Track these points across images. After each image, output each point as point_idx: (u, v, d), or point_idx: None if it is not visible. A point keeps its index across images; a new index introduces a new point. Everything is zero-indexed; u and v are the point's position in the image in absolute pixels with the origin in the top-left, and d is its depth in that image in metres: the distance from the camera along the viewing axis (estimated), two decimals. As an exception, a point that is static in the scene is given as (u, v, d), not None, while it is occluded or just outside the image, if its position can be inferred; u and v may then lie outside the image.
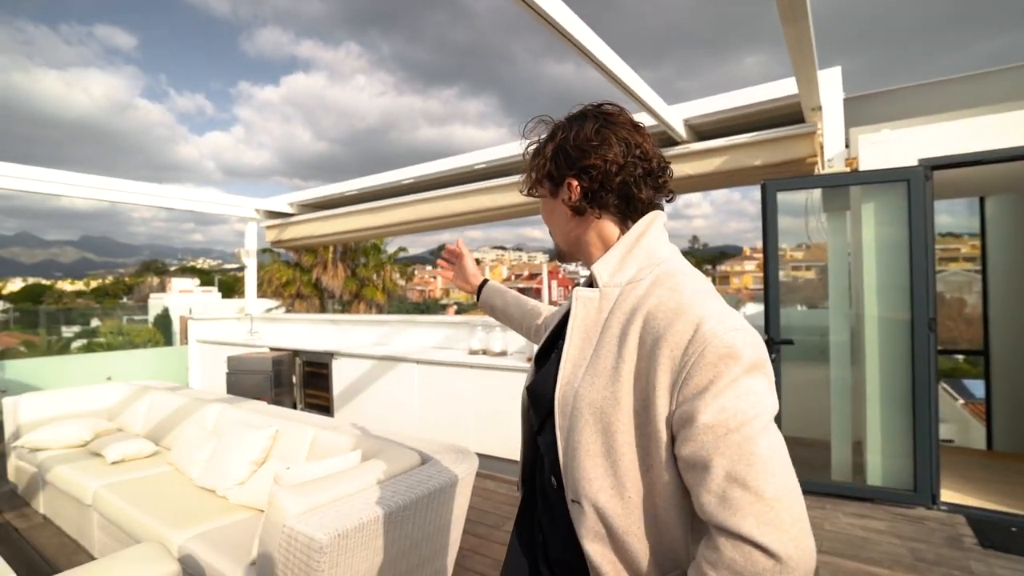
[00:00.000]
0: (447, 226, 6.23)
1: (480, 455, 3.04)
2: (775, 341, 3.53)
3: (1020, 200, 4.73)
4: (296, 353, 5.52)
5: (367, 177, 6.37)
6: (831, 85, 3.54)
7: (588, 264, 0.89)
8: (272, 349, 5.64)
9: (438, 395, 4.34)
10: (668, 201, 0.92)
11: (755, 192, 3.63)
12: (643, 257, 0.83)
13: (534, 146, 0.95)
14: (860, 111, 4.08)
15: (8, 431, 3.80)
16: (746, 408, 0.67)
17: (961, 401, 6.55)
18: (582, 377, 0.80)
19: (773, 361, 3.52)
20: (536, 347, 1.04)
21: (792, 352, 3.64)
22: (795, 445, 4.27)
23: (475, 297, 1.43)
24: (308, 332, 6.63)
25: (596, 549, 0.78)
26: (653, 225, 0.86)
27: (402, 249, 21.11)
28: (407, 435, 2.55)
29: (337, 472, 1.98)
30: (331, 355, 5.13)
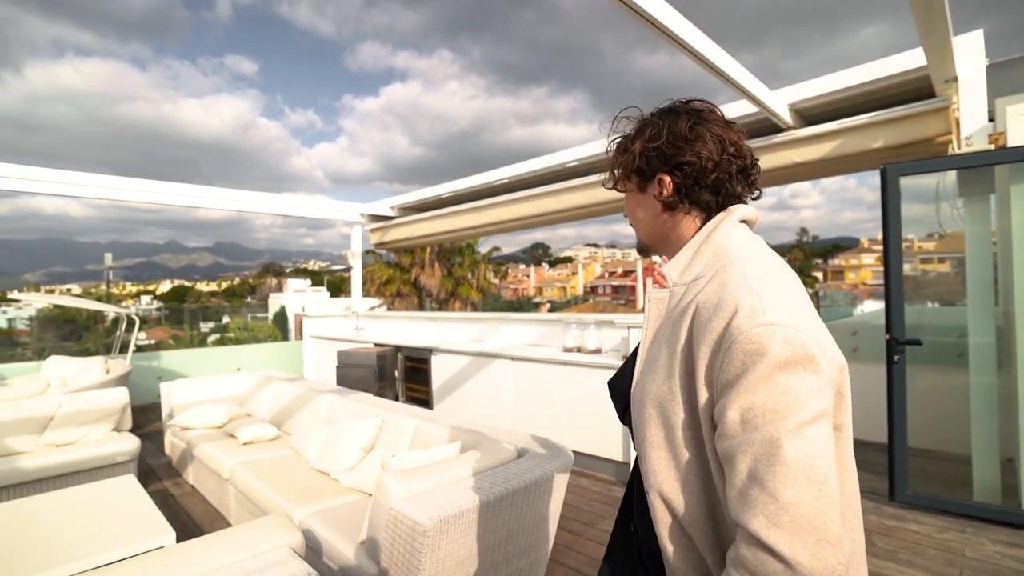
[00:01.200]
0: (540, 224, 6.30)
1: (574, 452, 3.06)
2: (898, 341, 3.19)
3: None
4: (398, 349, 5.86)
5: (462, 179, 6.61)
6: (971, 52, 3.11)
7: (670, 259, 0.91)
8: (376, 345, 6.03)
9: (533, 392, 4.40)
10: (755, 199, 0.93)
11: (874, 178, 3.30)
12: (710, 254, 0.83)
13: (618, 141, 0.95)
14: (1007, 79, 3.54)
15: (164, 412, 4.42)
16: (776, 408, 0.65)
17: None
18: (649, 374, 0.83)
19: (897, 363, 3.18)
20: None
21: (921, 354, 3.27)
22: (926, 458, 3.85)
23: None
24: (409, 329, 7.00)
25: (666, 538, 0.79)
26: (725, 221, 0.86)
27: (496, 248, 21.56)
28: (503, 430, 2.62)
29: (438, 461, 2.08)
30: (430, 351, 5.38)
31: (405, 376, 5.82)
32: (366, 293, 17.07)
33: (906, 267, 3.26)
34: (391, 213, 7.71)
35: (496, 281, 21.44)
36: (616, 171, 0.96)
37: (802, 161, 4.00)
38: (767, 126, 4.05)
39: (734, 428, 0.68)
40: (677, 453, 0.78)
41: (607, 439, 3.85)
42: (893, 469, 3.22)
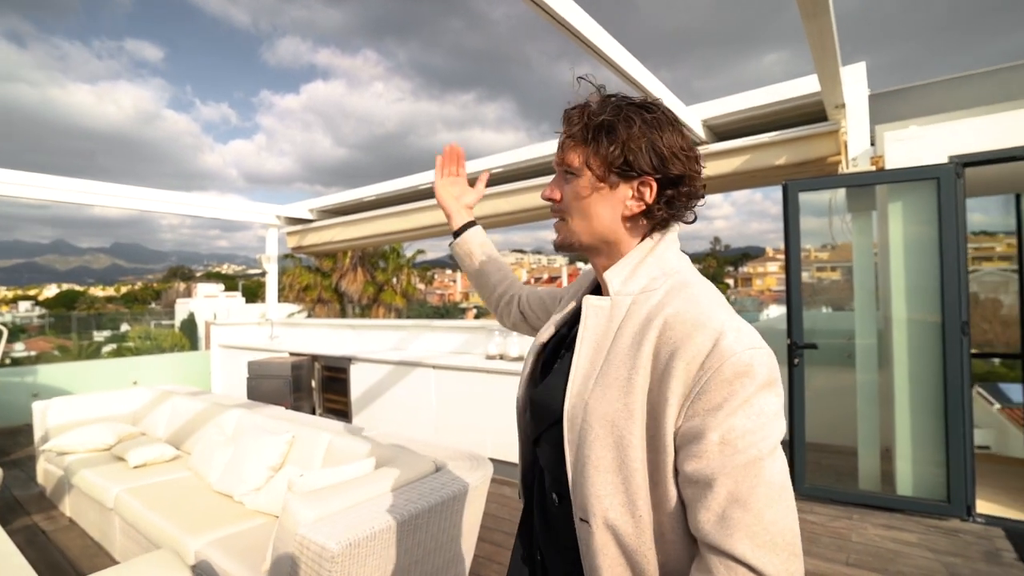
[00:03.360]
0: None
1: (497, 461, 3.01)
2: (798, 345, 3.44)
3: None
4: (315, 358, 5.57)
5: (387, 182, 6.42)
6: (855, 82, 3.44)
7: (600, 267, 0.86)
8: (292, 354, 5.70)
9: (455, 400, 4.33)
10: (689, 223, 0.89)
11: (777, 192, 3.54)
12: (655, 267, 0.81)
13: (604, 119, 0.80)
14: (886, 108, 3.96)
15: (37, 435, 3.90)
16: (756, 430, 0.66)
17: (998, 406, 6.30)
18: (592, 389, 0.77)
19: (796, 366, 3.43)
20: (534, 347, 0.98)
21: (816, 356, 3.54)
22: (820, 452, 4.17)
23: (453, 235, 1.28)
24: (327, 337, 6.69)
25: (604, 570, 0.74)
26: (668, 235, 0.84)
27: (420, 252, 21.24)
28: (422, 441, 2.54)
29: (351, 479, 1.97)
30: (349, 360, 5.16)
31: (323, 387, 5.55)
32: (285, 299, 16.22)
33: (804, 275, 3.52)
34: (310, 216, 7.36)
35: (422, 287, 21.13)
36: (589, 154, 0.81)
37: (715, 174, 4.23)
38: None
39: (713, 450, 0.66)
40: (628, 476, 0.72)
41: (531, 446, 3.85)
42: (793, 465, 3.45)
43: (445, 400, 4.39)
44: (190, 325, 21.83)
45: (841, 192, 3.73)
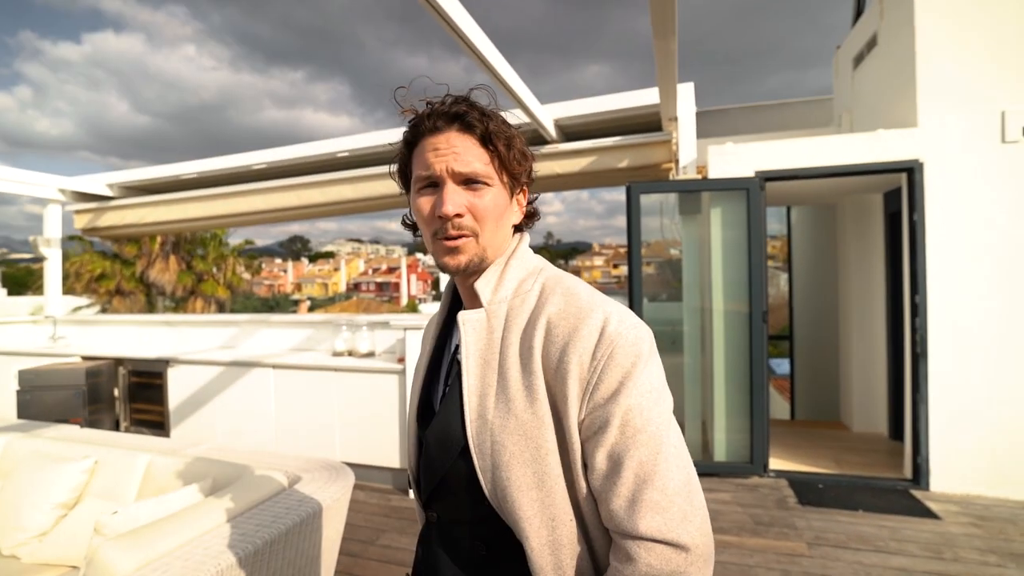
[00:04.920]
0: (303, 217, 5.75)
1: (348, 464, 2.82)
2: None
3: (815, 211, 5.68)
4: (119, 362, 4.66)
5: (209, 159, 5.61)
6: (685, 98, 3.87)
7: (468, 279, 0.82)
8: (85, 358, 4.69)
9: (298, 402, 3.95)
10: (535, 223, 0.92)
11: (603, 192, 3.87)
12: (519, 268, 0.81)
13: (498, 120, 0.78)
14: (709, 124, 4.54)
15: None
16: (652, 406, 0.68)
17: (767, 378, 7.78)
18: (494, 406, 0.73)
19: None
20: (416, 380, 0.92)
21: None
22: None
23: None
24: (134, 336, 5.64)
25: None
26: (524, 239, 0.86)
27: (248, 241, 19.17)
28: (269, 453, 2.25)
29: (182, 509, 1.65)
30: (166, 362, 4.41)
31: (129, 396, 4.67)
32: (70, 291, 13.34)
33: (625, 269, 3.88)
34: (108, 192, 6.12)
35: (248, 276, 19.12)
36: (493, 162, 0.77)
37: (563, 172, 4.44)
38: (535, 138, 4.40)
39: (616, 435, 0.67)
40: (550, 488, 0.70)
41: (383, 446, 3.68)
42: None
43: (286, 403, 3.99)
44: (-80, 325, 16.79)
45: (672, 195, 4.19)
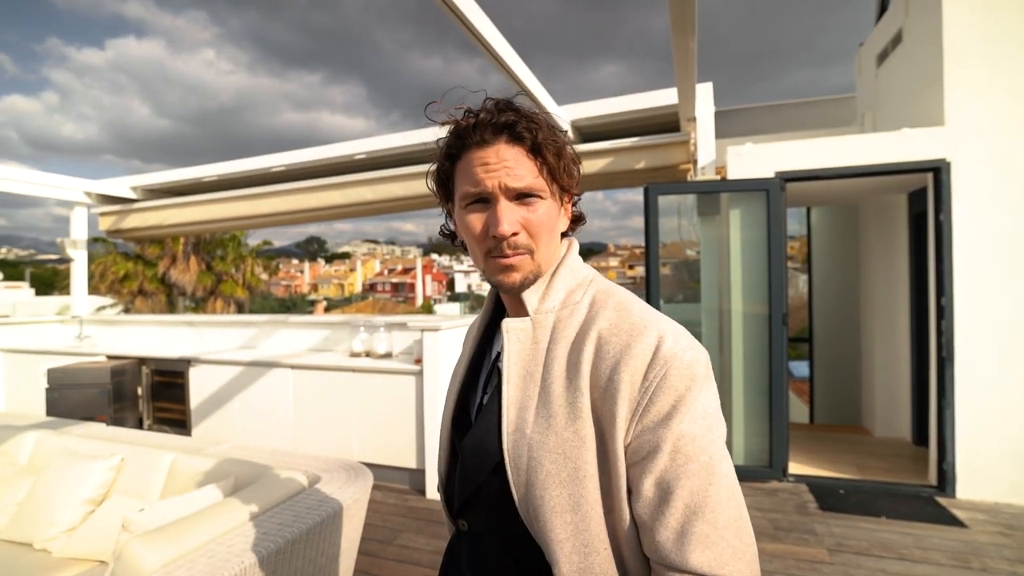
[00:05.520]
0: (321, 219, 5.82)
1: (366, 464, 2.84)
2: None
3: (836, 212, 5.58)
4: (142, 361, 4.75)
5: (229, 162, 5.71)
6: (704, 98, 3.83)
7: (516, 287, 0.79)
8: (110, 357, 4.79)
9: (316, 403, 3.99)
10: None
11: (617, 193, 3.84)
12: (568, 278, 0.78)
13: (555, 134, 0.75)
14: (729, 124, 4.49)
15: None
16: (705, 433, 0.65)
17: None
18: (533, 421, 0.70)
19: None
20: (453, 385, 0.88)
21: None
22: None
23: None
24: (157, 335, 5.76)
25: None
26: (573, 247, 0.83)
27: (266, 242, 19.47)
28: (288, 453, 2.27)
29: (205, 508, 1.67)
30: (188, 362, 4.49)
31: (152, 394, 4.76)
32: (95, 291, 13.67)
33: (640, 270, 3.85)
34: (132, 195, 6.25)
35: (266, 277, 19.40)
36: (543, 173, 0.74)
37: (582, 174, 4.43)
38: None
39: (667, 462, 0.63)
40: (586, 512, 0.66)
41: (400, 447, 3.70)
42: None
43: (305, 403, 4.03)
44: (-48, 323, 17.33)
45: (690, 196, 4.15)
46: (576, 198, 0.84)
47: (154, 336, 5.75)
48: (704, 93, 3.79)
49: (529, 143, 0.72)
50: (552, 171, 0.74)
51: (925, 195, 3.66)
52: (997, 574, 2.51)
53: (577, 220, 0.85)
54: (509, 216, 0.71)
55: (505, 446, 0.71)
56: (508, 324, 0.76)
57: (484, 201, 0.73)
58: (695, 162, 3.94)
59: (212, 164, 5.83)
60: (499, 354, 0.79)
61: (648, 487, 0.64)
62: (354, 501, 1.93)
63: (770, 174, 3.60)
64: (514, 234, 0.71)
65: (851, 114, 5.39)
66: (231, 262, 16.59)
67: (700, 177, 3.87)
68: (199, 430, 4.42)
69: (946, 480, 3.35)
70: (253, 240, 18.08)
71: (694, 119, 3.84)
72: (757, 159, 3.65)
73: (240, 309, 16.46)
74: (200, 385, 4.43)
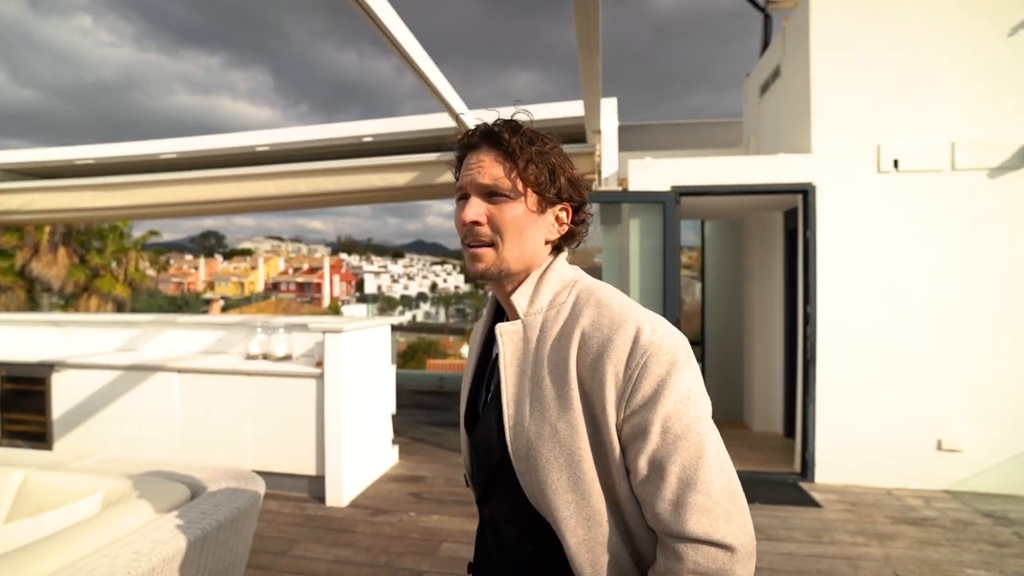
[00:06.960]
0: (217, 212, 5.43)
1: (261, 473, 2.70)
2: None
3: (725, 225, 6.10)
4: (-9, 366, 4.16)
5: (111, 144, 5.16)
6: (609, 112, 4.04)
7: (508, 292, 0.85)
8: (-53, 362, 4.15)
9: (207, 410, 3.71)
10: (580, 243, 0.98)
11: None
12: (554, 281, 0.84)
13: (538, 143, 0.81)
14: (630, 139, 4.76)
15: None
16: (689, 411, 0.71)
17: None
18: (530, 415, 0.78)
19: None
20: (465, 386, 0.97)
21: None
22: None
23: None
24: (11, 336, 5.06)
25: None
26: (561, 254, 0.89)
27: (153, 233, 17.71)
28: (170, 463, 2.10)
29: (68, 528, 1.51)
30: (51, 367, 3.99)
31: (2, 404, 4.18)
32: (-71, 284, 11.71)
33: None
34: (-16, 174, 5.46)
35: (153, 273, 17.71)
36: (520, 177, 0.80)
37: (492, 179, 4.50)
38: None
39: (657, 441, 0.70)
40: (585, 492, 0.74)
41: (299, 454, 3.54)
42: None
43: (193, 411, 3.74)
44: None
45: (594, 205, 4.35)
46: (584, 218, 0.88)
47: (7, 337, 5.05)
48: (609, 107, 3.99)
49: (505, 148, 0.79)
50: (522, 176, 0.80)
51: (797, 214, 4.11)
52: (842, 545, 2.88)
53: (570, 236, 0.88)
54: (475, 208, 0.80)
55: (508, 439, 0.79)
56: (501, 328, 0.84)
57: (467, 197, 0.82)
58: (600, 173, 4.15)
59: (90, 145, 5.25)
60: (498, 355, 0.85)
61: (643, 465, 0.71)
62: (243, 511, 1.83)
63: (667, 188, 3.87)
64: (476, 224, 0.80)
65: (739, 137, 5.93)
66: (111, 255, 14.94)
67: (604, 187, 4.07)
68: (62, 443, 3.95)
69: (808, 467, 3.78)
70: (138, 231, 16.38)
71: (599, 132, 4.04)
72: (656, 173, 3.91)
73: (120, 308, 14.85)
74: (65, 393, 3.96)
